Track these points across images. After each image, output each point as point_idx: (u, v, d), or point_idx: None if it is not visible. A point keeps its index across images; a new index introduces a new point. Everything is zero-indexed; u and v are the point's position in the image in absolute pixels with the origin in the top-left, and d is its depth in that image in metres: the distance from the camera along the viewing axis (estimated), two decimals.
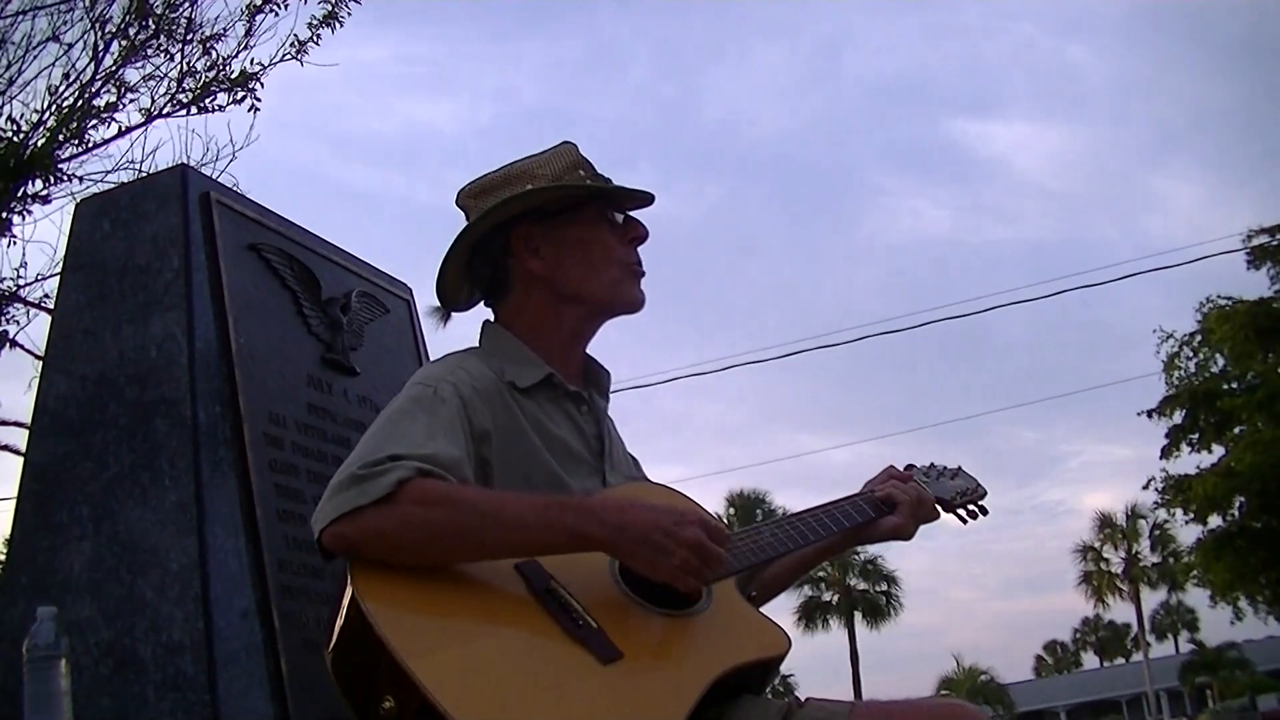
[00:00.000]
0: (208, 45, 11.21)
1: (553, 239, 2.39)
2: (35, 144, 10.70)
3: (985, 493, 2.91)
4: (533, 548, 2.02)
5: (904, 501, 2.61)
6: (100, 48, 10.94)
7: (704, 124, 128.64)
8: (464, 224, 2.43)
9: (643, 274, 2.46)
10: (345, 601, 1.91)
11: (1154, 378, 30.96)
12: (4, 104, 10.86)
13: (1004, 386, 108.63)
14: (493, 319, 2.47)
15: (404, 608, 1.91)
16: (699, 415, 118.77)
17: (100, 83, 11.06)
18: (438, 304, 2.53)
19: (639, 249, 2.48)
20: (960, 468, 2.94)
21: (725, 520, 2.54)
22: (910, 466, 2.81)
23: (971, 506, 2.88)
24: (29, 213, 10.79)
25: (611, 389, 2.58)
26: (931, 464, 2.88)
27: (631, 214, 2.47)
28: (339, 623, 1.91)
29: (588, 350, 2.51)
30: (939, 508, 2.75)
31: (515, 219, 2.39)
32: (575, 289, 2.39)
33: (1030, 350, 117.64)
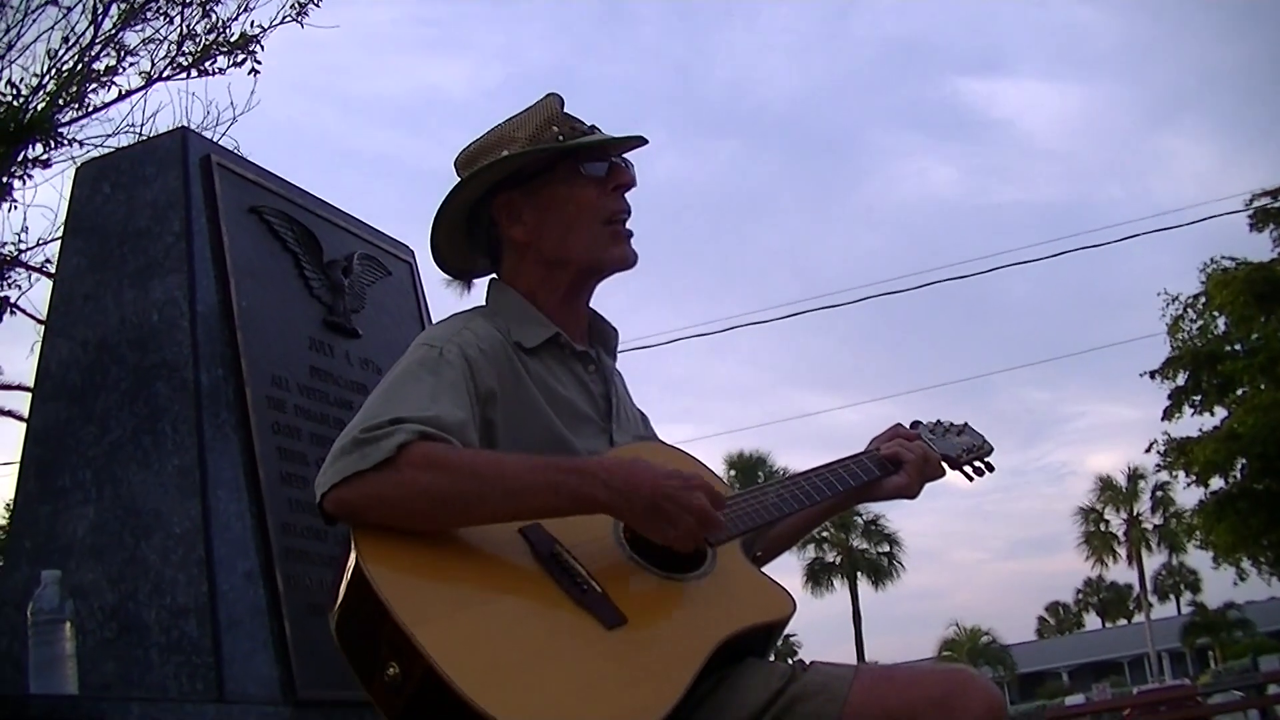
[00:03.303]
0: (207, 8, 11.20)
1: (533, 202, 2.36)
2: (35, 108, 10.68)
3: (991, 449, 2.89)
4: (535, 510, 2.01)
5: (909, 460, 2.60)
6: (99, 11, 10.92)
7: (713, 84, 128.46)
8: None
9: (629, 229, 2.42)
10: (348, 567, 1.90)
11: (1160, 338, 30.95)
12: (3, 68, 10.85)
13: (1012, 346, 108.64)
14: (498, 278, 2.45)
15: (407, 573, 1.90)
16: (707, 375, 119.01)
17: (99, 46, 11.04)
18: (445, 277, 2.52)
19: (629, 195, 2.43)
20: (966, 424, 2.91)
21: (726, 482, 2.51)
22: (916, 423, 2.79)
23: (978, 463, 2.85)
24: (29, 177, 10.80)
25: (619, 349, 2.56)
26: (938, 421, 2.86)
27: (622, 157, 2.42)
28: (342, 588, 1.91)
29: (595, 308, 2.50)
30: (945, 465, 2.73)
31: (496, 186, 2.37)
32: (559, 252, 2.37)
33: (1039, 310, 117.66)
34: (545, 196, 2.36)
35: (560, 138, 2.34)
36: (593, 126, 2.40)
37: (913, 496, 2.61)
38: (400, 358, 2.19)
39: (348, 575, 1.90)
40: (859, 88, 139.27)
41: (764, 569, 2.38)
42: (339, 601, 1.91)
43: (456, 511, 1.97)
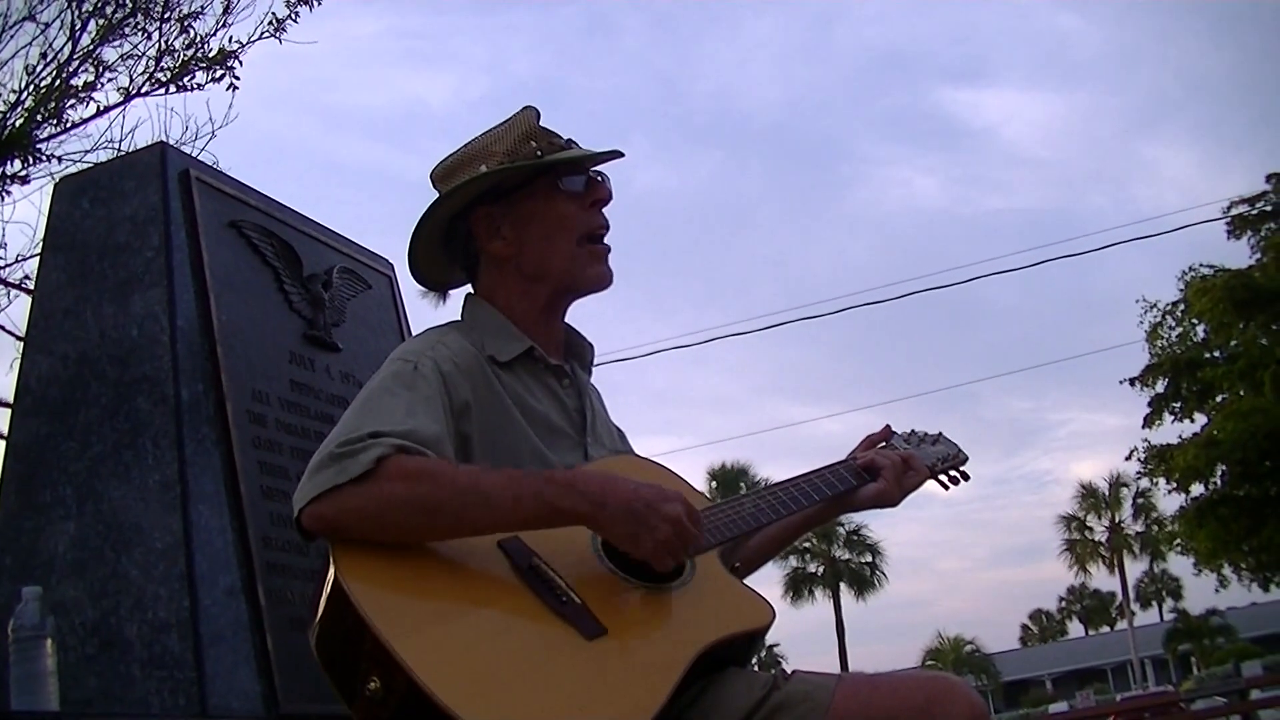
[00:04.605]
0: (185, 23, 11.17)
1: (511, 217, 2.37)
2: (13, 124, 10.66)
3: (966, 458, 2.89)
4: (513, 523, 2.02)
5: (886, 466, 2.60)
6: (77, 26, 10.89)
7: (697, 95, 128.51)
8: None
9: (606, 245, 2.43)
10: (327, 582, 1.90)
11: (1140, 345, 31.10)
12: None
13: (995, 355, 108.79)
14: (474, 293, 2.46)
15: (387, 587, 1.90)
16: (689, 387, 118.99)
17: (78, 62, 11.02)
18: (421, 289, 2.53)
19: (607, 209, 2.44)
20: (941, 433, 2.92)
21: (708, 495, 2.50)
22: (889, 429, 2.79)
23: (953, 472, 2.86)
24: (8, 193, 10.79)
25: (595, 362, 2.57)
26: (912, 431, 2.86)
27: (598, 173, 2.43)
28: (321, 604, 1.91)
29: (572, 324, 2.50)
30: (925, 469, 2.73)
31: (473, 200, 2.37)
32: (537, 267, 2.37)
33: (1022, 318, 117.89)
34: (523, 211, 2.37)
35: (538, 153, 2.34)
36: (570, 140, 2.40)
37: (892, 504, 2.61)
38: (374, 373, 2.20)
39: (326, 590, 1.90)
40: (843, 98, 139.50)
41: (745, 580, 2.38)
42: (318, 617, 1.91)
43: (434, 524, 1.97)
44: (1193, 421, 30.10)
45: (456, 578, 1.98)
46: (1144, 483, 40.76)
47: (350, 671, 1.83)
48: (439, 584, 1.97)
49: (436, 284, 2.53)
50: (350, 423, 2.03)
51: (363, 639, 1.80)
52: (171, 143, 7.73)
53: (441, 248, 2.45)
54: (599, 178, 2.43)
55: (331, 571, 1.89)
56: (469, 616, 1.92)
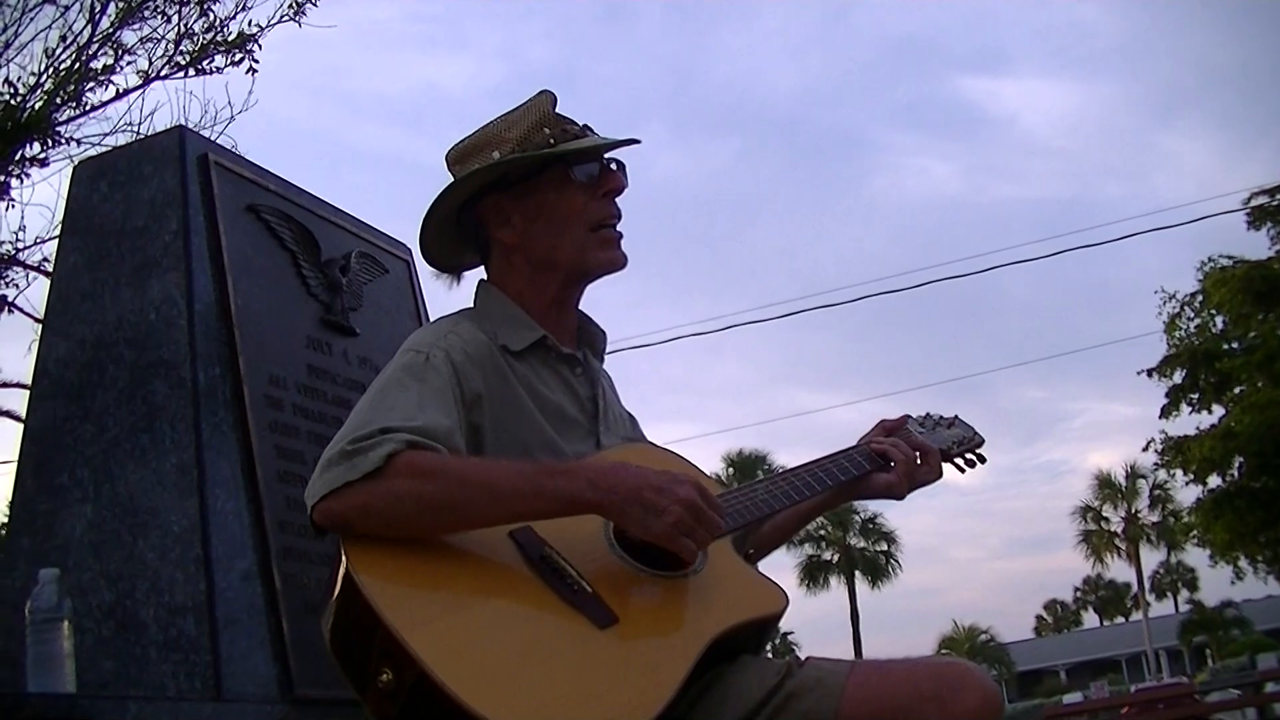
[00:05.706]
0: (205, 7, 11.19)
1: (521, 206, 2.35)
2: (33, 107, 10.69)
3: (982, 441, 2.87)
4: (524, 514, 2.02)
5: (900, 459, 2.59)
6: (97, 10, 10.92)
7: (713, 82, 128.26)
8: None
9: (618, 233, 2.41)
10: (339, 576, 1.90)
11: (1158, 336, 31.00)
12: (1, 66, 10.83)
13: (1011, 344, 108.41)
14: (487, 279, 2.45)
15: (398, 581, 1.90)
16: (706, 374, 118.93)
17: (97, 45, 11.04)
18: (434, 271, 2.52)
19: (621, 198, 2.42)
20: (957, 417, 2.89)
21: (724, 480, 2.49)
22: (906, 417, 2.77)
23: (969, 455, 2.84)
24: (27, 176, 10.82)
25: (611, 349, 2.56)
26: (927, 414, 2.84)
27: (613, 160, 2.41)
28: (334, 597, 1.91)
29: (585, 310, 2.50)
30: (940, 462, 2.71)
31: (485, 188, 2.36)
32: (546, 256, 2.36)
33: (1037, 308, 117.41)
34: (534, 201, 2.35)
35: (551, 140, 2.32)
36: (585, 127, 2.38)
37: (900, 497, 2.60)
38: (387, 363, 2.19)
39: (338, 585, 1.90)
40: (859, 86, 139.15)
41: (757, 565, 2.38)
42: (331, 611, 1.92)
43: (445, 518, 1.97)
44: (1210, 413, 30.03)
45: (467, 569, 1.98)
46: (1161, 474, 40.77)
47: (362, 663, 1.83)
48: (450, 575, 1.97)
49: (449, 267, 2.52)
50: (361, 418, 2.03)
51: (374, 632, 1.80)
52: (190, 126, 7.74)
53: (454, 232, 2.45)
54: (613, 166, 2.41)
55: (343, 566, 1.89)
56: (480, 608, 1.92)
